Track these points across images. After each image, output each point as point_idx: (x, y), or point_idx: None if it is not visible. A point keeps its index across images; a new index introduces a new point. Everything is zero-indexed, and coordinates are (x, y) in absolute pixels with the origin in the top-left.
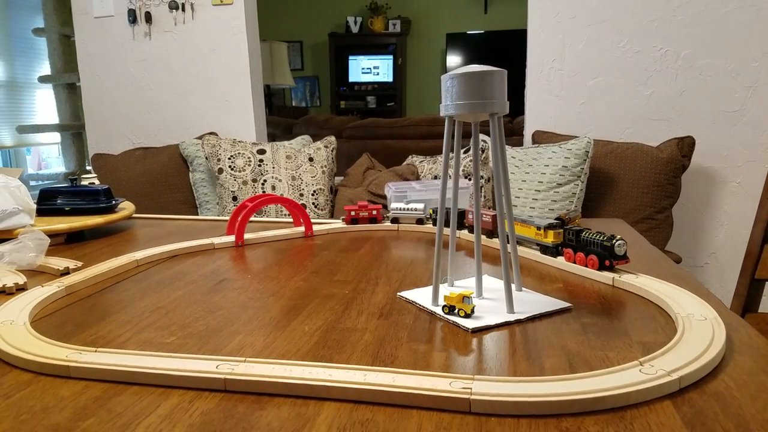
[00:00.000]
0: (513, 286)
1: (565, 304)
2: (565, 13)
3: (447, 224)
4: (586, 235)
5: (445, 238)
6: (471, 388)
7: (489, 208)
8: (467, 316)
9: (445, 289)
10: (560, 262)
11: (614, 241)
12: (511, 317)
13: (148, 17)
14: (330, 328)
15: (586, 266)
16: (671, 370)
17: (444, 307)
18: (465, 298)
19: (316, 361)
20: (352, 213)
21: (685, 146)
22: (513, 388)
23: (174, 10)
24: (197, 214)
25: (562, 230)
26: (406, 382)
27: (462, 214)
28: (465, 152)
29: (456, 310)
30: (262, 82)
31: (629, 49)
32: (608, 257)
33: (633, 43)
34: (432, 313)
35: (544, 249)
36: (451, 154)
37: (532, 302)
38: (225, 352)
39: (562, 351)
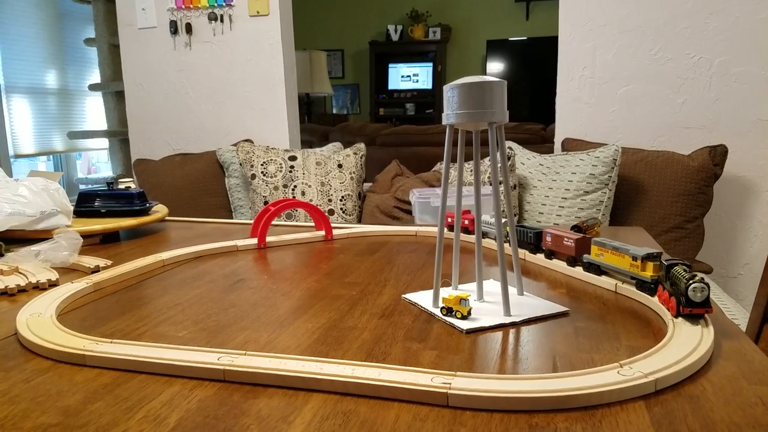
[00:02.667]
0: (514, 290)
1: (562, 309)
2: (596, 20)
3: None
4: (677, 270)
5: (466, 245)
6: (450, 384)
7: (573, 230)
8: (464, 317)
9: (446, 292)
10: (564, 266)
11: (690, 282)
12: (507, 320)
13: (189, 28)
14: (332, 327)
15: (668, 309)
16: (649, 372)
17: (442, 308)
18: (462, 300)
19: (313, 356)
20: (449, 219)
21: (717, 155)
22: (490, 384)
23: (213, 21)
24: (232, 218)
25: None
26: (391, 376)
27: (539, 236)
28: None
29: (453, 312)
30: (296, 90)
31: (661, 56)
32: (683, 302)
33: (665, 50)
34: (431, 315)
35: (641, 284)
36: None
37: (530, 306)
38: (230, 346)
39: (549, 353)
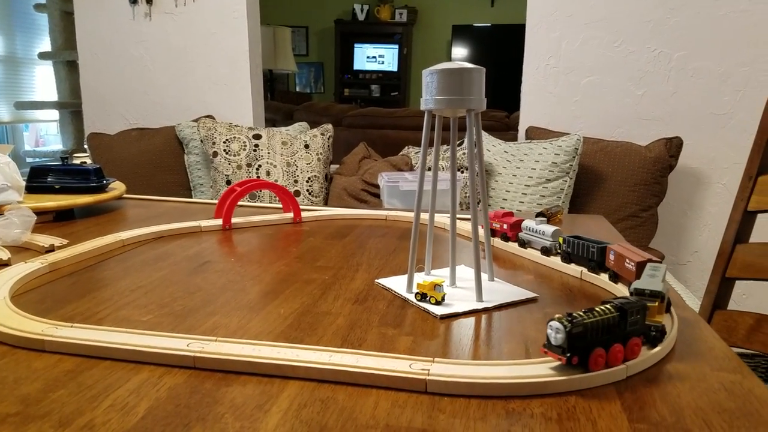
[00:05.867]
0: (485, 276)
1: (531, 295)
2: (563, 10)
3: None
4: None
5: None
6: (429, 370)
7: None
8: (438, 303)
9: (420, 278)
10: (531, 253)
11: (551, 319)
12: (479, 305)
13: None
14: (305, 312)
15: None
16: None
17: (416, 294)
18: (436, 286)
19: (287, 342)
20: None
21: (673, 146)
22: (468, 370)
23: None
24: (191, 197)
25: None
26: (369, 363)
27: (603, 252)
28: (460, 145)
29: (428, 298)
30: (261, 67)
31: (624, 48)
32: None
33: (628, 43)
34: (405, 300)
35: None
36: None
37: (501, 292)
38: (199, 332)
39: (521, 338)
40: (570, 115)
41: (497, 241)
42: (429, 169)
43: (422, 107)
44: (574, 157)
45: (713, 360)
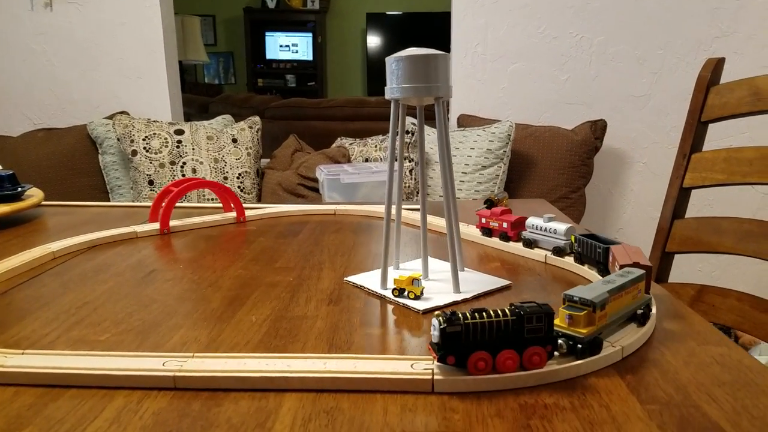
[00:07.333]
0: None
1: (505, 282)
2: None
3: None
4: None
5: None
6: (433, 369)
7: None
8: (417, 298)
9: (393, 273)
10: (495, 241)
11: (434, 317)
12: (458, 297)
13: None
14: (279, 317)
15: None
16: (614, 340)
17: (394, 290)
18: (414, 281)
19: (269, 351)
20: (483, 220)
21: (597, 129)
22: None
23: None
24: (109, 200)
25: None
26: (368, 367)
27: (607, 254)
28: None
29: (406, 293)
30: (177, 57)
31: (547, 34)
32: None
33: (551, 29)
34: (382, 297)
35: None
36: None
37: (475, 281)
38: (168, 348)
39: None
40: (498, 101)
41: (478, 236)
42: (375, 160)
43: (387, 96)
44: (508, 143)
45: (696, 334)
